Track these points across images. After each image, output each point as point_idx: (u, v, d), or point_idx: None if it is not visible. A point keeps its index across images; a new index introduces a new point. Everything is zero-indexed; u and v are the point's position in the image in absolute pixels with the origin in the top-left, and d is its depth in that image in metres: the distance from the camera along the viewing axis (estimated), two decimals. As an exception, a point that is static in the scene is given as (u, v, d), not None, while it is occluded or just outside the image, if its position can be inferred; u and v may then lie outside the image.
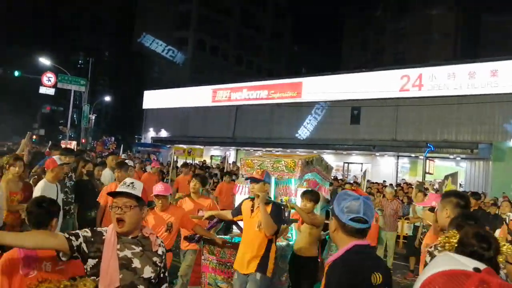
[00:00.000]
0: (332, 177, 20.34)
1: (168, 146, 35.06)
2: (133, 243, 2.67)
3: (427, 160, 18.63)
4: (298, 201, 6.00)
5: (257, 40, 56.88)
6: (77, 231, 2.51)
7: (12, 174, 5.67)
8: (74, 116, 30.87)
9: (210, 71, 47.58)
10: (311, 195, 5.56)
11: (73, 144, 23.13)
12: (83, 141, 29.81)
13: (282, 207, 5.13)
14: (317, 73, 29.32)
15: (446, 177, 10.64)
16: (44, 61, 27.69)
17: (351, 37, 57.21)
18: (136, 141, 41.64)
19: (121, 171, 6.93)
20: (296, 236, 5.81)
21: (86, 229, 2.56)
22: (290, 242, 5.88)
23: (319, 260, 5.77)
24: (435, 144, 20.42)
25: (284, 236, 6.00)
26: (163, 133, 37.08)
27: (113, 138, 34.55)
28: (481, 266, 1.28)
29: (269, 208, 4.63)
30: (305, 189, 6.11)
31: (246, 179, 5.90)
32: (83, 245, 2.40)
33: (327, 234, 6.18)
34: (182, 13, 50.63)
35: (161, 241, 2.87)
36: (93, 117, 33.41)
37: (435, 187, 15.27)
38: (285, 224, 5.58)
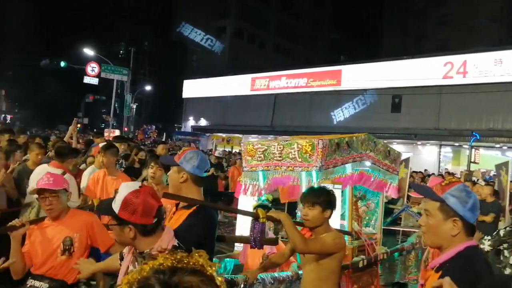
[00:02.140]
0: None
1: (207, 134, 35.53)
2: (140, 259, 2.29)
3: (472, 149, 18.08)
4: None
5: (295, 28, 56.37)
6: None
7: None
8: (116, 105, 31.64)
9: (248, 59, 47.62)
10: (315, 195, 3.19)
11: (116, 133, 23.81)
12: (125, 129, 30.59)
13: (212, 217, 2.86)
14: (356, 60, 28.88)
15: (499, 167, 10.03)
16: (88, 51, 28.50)
17: (391, 24, 55.83)
18: (176, 129, 42.38)
19: (107, 155, 5.14)
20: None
21: None
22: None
23: None
24: (480, 132, 19.79)
25: (284, 268, 4.04)
26: (203, 122, 37.56)
27: (153, 127, 35.29)
28: None
29: (184, 215, 2.63)
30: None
31: (161, 159, 4.04)
32: None
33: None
34: (220, 1, 50.79)
35: None
36: (134, 106, 34.18)
37: (486, 177, 14.83)
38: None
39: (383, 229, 6.57)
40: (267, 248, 3.97)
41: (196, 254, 1.05)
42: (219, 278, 1.03)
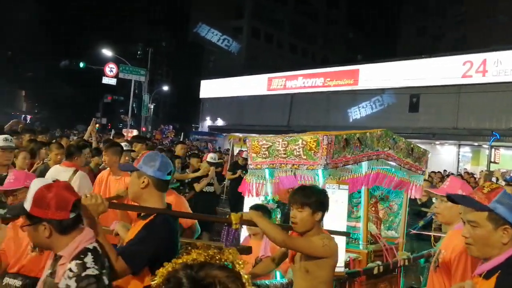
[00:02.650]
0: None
1: (224, 134, 35.64)
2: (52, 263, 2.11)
3: (492, 149, 17.80)
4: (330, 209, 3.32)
5: (312, 28, 56.19)
6: None
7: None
8: (134, 105, 31.96)
9: (264, 59, 47.63)
10: (304, 195, 2.88)
11: (134, 133, 24.08)
12: (143, 129, 30.90)
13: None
14: (373, 60, 28.67)
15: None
16: (106, 52, 28.84)
17: (408, 23, 55.17)
18: (193, 129, 42.61)
19: (109, 153, 4.99)
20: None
21: None
22: None
23: None
24: (500, 132, 19.47)
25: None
26: (219, 122, 37.69)
27: (171, 127, 35.53)
28: None
29: (139, 226, 2.45)
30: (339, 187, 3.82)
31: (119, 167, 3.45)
32: None
33: None
34: (237, 1, 50.89)
35: (70, 270, 1.96)
36: (152, 106, 34.48)
37: (506, 177, 14.57)
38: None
39: (415, 234, 6.19)
40: (260, 251, 3.74)
41: (227, 251, 1.07)
42: (246, 276, 1.05)
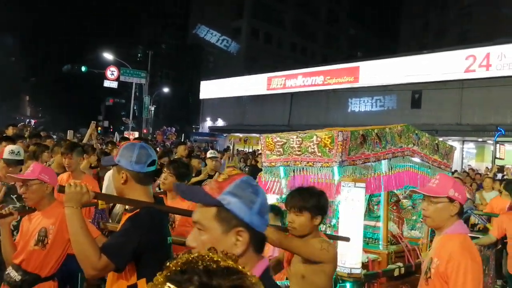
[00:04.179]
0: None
1: (224, 135, 35.57)
2: None
3: (497, 145, 17.65)
4: (344, 207, 3.57)
5: (312, 26, 56.06)
6: None
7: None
8: (135, 107, 31.94)
9: (264, 59, 47.58)
10: (302, 199, 2.71)
11: (135, 135, 23.97)
12: (145, 131, 30.85)
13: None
14: (374, 56, 28.52)
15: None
16: (107, 56, 28.86)
17: (410, 18, 55.03)
18: (194, 130, 42.56)
19: (72, 156, 4.75)
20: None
21: None
22: None
23: None
24: (505, 127, 19.30)
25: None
26: (220, 122, 37.62)
27: (173, 129, 35.49)
28: None
29: (124, 219, 2.35)
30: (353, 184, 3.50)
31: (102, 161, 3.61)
32: None
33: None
34: (235, 1, 50.82)
35: None
36: (153, 108, 34.42)
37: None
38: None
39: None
40: (268, 252, 3.60)
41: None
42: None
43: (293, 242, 2.67)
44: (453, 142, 24.55)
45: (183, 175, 4.12)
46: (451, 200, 2.52)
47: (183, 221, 3.90)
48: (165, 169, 4.17)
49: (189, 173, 4.44)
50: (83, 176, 4.74)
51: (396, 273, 3.97)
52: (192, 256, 0.93)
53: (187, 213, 3.48)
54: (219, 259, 0.92)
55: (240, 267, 0.93)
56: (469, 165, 22.18)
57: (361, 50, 54.01)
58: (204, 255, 0.93)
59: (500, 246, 5.87)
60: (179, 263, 0.92)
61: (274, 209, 3.53)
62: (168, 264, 0.93)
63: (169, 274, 0.91)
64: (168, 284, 0.88)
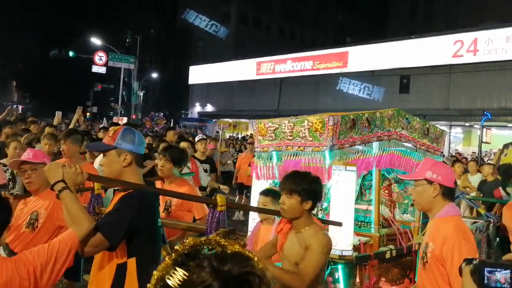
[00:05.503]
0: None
1: (214, 120, 35.50)
2: None
3: (484, 129, 17.86)
4: (336, 190, 3.60)
5: (300, 11, 55.74)
6: None
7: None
8: (124, 93, 31.66)
9: (253, 44, 47.32)
10: (293, 182, 2.72)
11: (124, 120, 23.80)
12: (134, 117, 30.66)
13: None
14: (363, 41, 28.55)
15: (506, 146, 10.11)
16: (95, 41, 28.50)
17: (398, 4, 54.97)
18: (183, 116, 42.40)
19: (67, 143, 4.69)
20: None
21: None
22: None
23: None
24: (492, 112, 19.52)
25: None
26: (209, 108, 37.51)
27: (161, 114, 35.29)
28: None
29: (117, 199, 2.39)
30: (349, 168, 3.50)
31: (87, 147, 4.29)
32: None
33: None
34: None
35: None
36: (142, 94, 34.18)
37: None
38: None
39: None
40: (271, 236, 3.54)
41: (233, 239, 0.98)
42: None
43: (308, 273, 2.60)
44: (441, 127, 24.76)
45: (179, 160, 4.17)
46: (429, 182, 2.54)
47: (179, 206, 3.96)
48: (160, 156, 4.20)
49: (184, 157, 4.48)
50: (82, 163, 4.59)
51: (387, 256, 4.04)
52: (199, 240, 0.94)
53: (183, 196, 3.57)
54: (226, 244, 0.92)
55: (247, 251, 0.93)
56: (456, 149, 22.47)
57: (350, 36, 53.95)
58: (211, 239, 0.93)
59: (492, 230, 5.99)
60: (186, 247, 0.92)
61: (272, 193, 3.58)
62: (176, 248, 0.93)
63: (177, 258, 0.90)
64: (177, 268, 0.88)
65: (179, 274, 0.86)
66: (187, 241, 0.94)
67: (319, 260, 2.65)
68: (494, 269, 1.23)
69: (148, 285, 0.90)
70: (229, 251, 0.91)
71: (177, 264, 0.88)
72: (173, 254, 0.92)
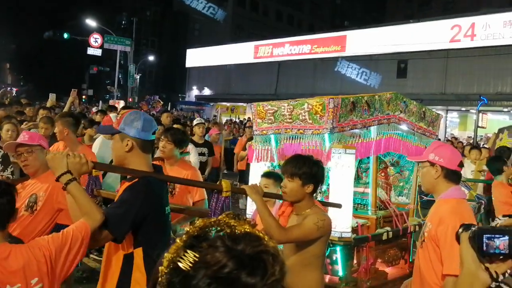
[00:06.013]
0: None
1: (211, 104, 35.41)
2: None
3: (480, 114, 17.95)
4: (335, 173, 3.68)
5: (298, -6, 55.21)
6: None
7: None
8: (120, 76, 31.45)
9: (250, 27, 46.96)
10: (295, 165, 2.75)
11: (120, 104, 23.74)
12: (130, 100, 30.54)
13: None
14: (361, 25, 28.41)
15: (501, 130, 10.22)
16: (90, 22, 28.18)
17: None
18: (180, 99, 42.21)
19: (59, 124, 4.67)
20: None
21: None
22: None
23: None
24: (488, 97, 19.58)
25: None
26: (206, 91, 37.35)
27: (157, 97, 35.10)
28: None
29: (123, 188, 2.35)
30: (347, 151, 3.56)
31: (98, 130, 4.39)
32: None
33: None
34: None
35: None
36: (138, 77, 33.99)
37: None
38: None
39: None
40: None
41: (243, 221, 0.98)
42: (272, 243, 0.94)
43: (293, 235, 2.66)
44: (438, 111, 24.84)
45: (181, 141, 4.16)
46: (432, 164, 2.57)
47: (183, 189, 3.98)
48: (162, 137, 4.16)
49: (186, 138, 4.46)
50: (79, 146, 4.63)
51: (384, 237, 4.14)
52: (208, 221, 0.92)
53: (189, 182, 3.61)
54: (236, 224, 0.91)
55: (257, 231, 0.92)
56: (452, 134, 22.58)
57: (348, 20, 53.57)
58: (221, 220, 0.92)
59: (483, 211, 6.09)
60: (196, 228, 0.90)
61: (274, 175, 3.63)
62: (186, 229, 0.92)
63: (188, 240, 0.88)
64: (188, 251, 0.86)
65: (190, 256, 0.85)
66: (197, 222, 0.93)
67: (310, 229, 2.63)
68: (493, 236, 1.24)
69: (160, 267, 0.87)
70: (238, 232, 0.90)
71: (187, 247, 0.87)
72: (183, 236, 0.90)
